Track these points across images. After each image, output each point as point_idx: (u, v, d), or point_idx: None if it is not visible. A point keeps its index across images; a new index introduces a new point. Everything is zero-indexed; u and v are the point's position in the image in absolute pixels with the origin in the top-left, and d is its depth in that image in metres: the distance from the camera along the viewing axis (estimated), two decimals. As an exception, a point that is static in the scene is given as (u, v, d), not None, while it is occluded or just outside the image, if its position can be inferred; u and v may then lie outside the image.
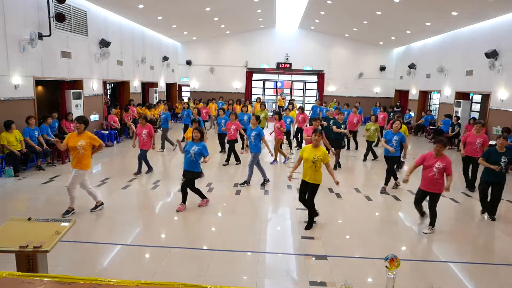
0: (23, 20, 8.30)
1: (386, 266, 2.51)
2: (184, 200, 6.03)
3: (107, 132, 11.67)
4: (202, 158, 5.98)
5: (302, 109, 12.17)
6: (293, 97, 21.23)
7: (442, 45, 15.15)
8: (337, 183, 5.35)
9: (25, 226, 3.10)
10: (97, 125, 11.88)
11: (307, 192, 5.39)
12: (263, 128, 8.67)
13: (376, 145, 11.71)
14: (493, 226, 5.96)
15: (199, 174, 6.13)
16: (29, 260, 2.78)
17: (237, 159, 9.53)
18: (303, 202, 5.52)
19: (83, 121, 5.57)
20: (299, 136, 11.66)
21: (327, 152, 5.36)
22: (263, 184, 7.53)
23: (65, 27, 9.80)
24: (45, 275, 1.91)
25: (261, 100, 15.24)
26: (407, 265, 4.33)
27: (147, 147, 8.12)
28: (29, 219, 3.21)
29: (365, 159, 10.42)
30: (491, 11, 10.72)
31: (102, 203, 5.90)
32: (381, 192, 7.34)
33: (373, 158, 10.49)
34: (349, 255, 4.71)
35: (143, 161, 8.17)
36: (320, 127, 8.09)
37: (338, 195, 7.10)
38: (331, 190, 7.39)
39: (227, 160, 9.50)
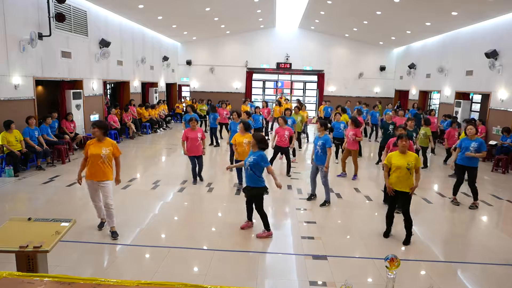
0: (23, 20, 8.30)
1: (386, 266, 2.52)
2: (249, 216, 5.35)
3: (107, 132, 11.66)
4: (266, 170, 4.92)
5: (266, 103, 12.85)
6: (283, 95, 21.03)
7: (442, 45, 15.14)
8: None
9: (25, 226, 3.11)
10: (97, 125, 11.87)
11: (402, 203, 4.97)
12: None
13: (433, 152, 11.24)
14: (493, 226, 5.96)
15: (264, 190, 4.97)
16: (29, 260, 2.78)
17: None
18: (391, 217, 5.15)
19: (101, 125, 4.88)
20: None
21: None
22: (323, 204, 6.45)
23: (65, 27, 9.79)
24: (45, 275, 1.90)
25: (299, 101, 14.87)
26: (407, 265, 4.33)
27: (201, 151, 7.44)
28: (29, 219, 3.22)
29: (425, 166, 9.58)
30: (491, 11, 10.72)
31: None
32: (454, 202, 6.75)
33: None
34: (349, 255, 4.71)
35: (201, 167, 7.59)
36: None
37: (338, 195, 7.10)
38: (331, 190, 7.38)
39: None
